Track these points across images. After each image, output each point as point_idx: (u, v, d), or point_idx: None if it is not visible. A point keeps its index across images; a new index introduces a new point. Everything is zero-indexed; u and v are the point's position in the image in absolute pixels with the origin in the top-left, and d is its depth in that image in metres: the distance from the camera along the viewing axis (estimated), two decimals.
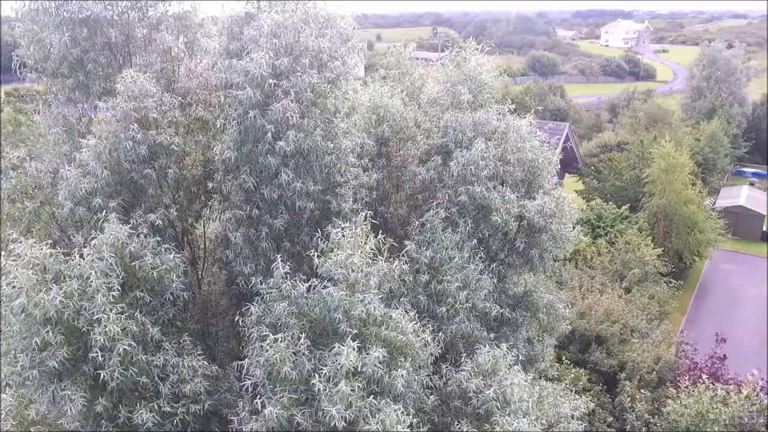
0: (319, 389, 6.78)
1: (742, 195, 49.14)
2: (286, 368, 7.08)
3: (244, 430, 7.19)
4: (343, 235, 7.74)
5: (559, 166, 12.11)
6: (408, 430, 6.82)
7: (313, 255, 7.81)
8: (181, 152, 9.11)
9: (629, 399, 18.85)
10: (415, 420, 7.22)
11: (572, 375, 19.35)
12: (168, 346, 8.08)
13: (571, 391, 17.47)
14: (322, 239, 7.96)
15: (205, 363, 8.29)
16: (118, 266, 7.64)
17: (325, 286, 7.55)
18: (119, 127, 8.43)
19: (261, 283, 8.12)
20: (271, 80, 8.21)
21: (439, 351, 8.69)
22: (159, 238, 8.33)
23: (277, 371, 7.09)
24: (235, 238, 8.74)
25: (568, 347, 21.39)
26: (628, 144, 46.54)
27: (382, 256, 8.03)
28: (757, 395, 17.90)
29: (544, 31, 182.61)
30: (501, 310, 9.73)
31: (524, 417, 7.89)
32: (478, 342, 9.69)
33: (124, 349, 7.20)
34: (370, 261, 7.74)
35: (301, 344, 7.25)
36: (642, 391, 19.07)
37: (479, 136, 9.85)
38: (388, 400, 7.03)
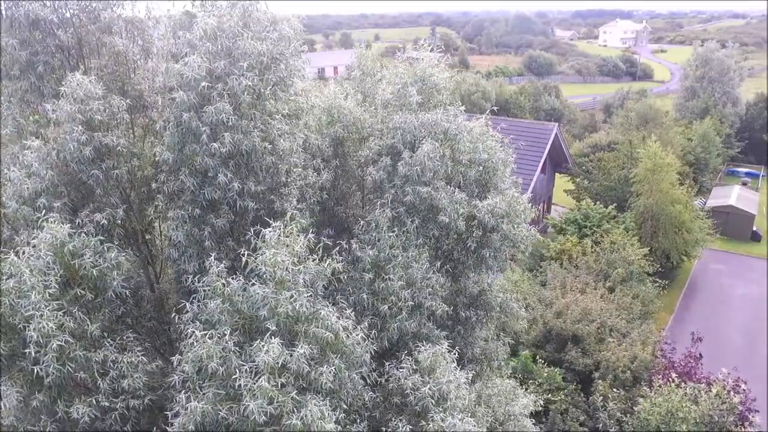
0: (239, 385, 6.95)
1: (733, 195, 49.19)
2: (213, 364, 7.25)
3: (174, 425, 7.35)
4: (280, 234, 7.89)
5: (515, 166, 12.22)
6: (332, 425, 6.95)
7: (244, 254, 7.96)
8: (129, 153, 9.26)
9: (601, 398, 18.96)
10: (342, 416, 7.37)
11: (545, 374, 19.49)
12: (109, 343, 8.24)
13: (524, 389, 17.59)
14: (255, 238, 8.10)
15: (144, 359, 8.45)
16: (56, 264, 7.81)
17: (254, 284, 7.71)
18: (66, 129, 8.59)
19: (198, 281, 8.29)
20: (204, 83, 8.37)
21: (383, 348, 8.81)
22: (102, 237, 8.49)
23: (204, 367, 7.26)
24: (177, 237, 8.91)
25: (545, 346, 21.53)
26: (618, 144, 46.69)
27: (317, 255, 8.16)
28: (727, 394, 18.02)
29: (542, 31, 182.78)
30: (447, 309, 9.86)
31: (461, 414, 8.02)
32: (428, 340, 9.83)
33: (60, 345, 7.37)
34: (296, 260, 7.88)
35: (227, 340, 7.41)
36: (615, 390, 19.19)
37: (427, 137, 9.97)
38: (315, 395, 7.19)
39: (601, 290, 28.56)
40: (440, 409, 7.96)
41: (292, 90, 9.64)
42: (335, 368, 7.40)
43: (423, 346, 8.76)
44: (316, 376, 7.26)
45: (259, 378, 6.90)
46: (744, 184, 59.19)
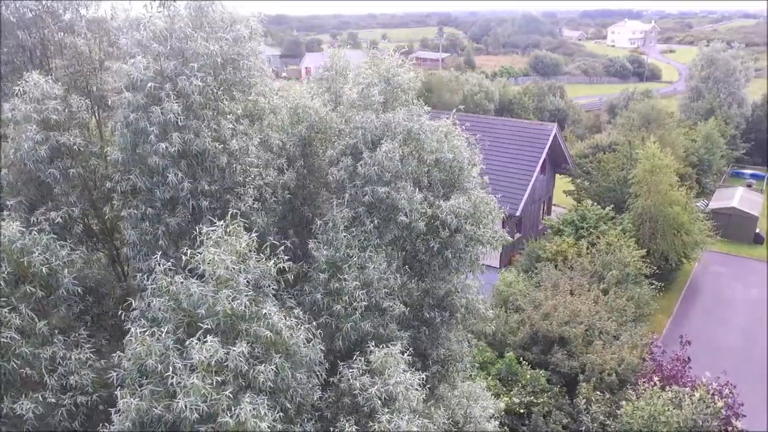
0: (172, 382, 6.98)
1: (736, 197, 48.71)
2: (151, 361, 7.29)
3: (115, 422, 7.39)
4: (223, 233, 7.91)
5: (483, 166, 12.16)
6: (266, 424, 6.94)
7: (186, 252, 7.99)
8: (88, 153, 9.34)
9: (584, 401, 18.82)
10: (281, 414, 7.35)
11: (528, 376, 19.39)
12: (59, 339, 8.31)
13: (507, 390, 17.45)
14: (200, 237, 8.13)
15: (92, 356, 8.51)
16: (3, 262, 7.89)
17: (194, 282, 7.74)
18: (22, 129, 8.68)
19: (147, 279, 8.33)
20: (151, 84, 8.41)
21: (339, 348, 8.80)
22: (55, 235, 8.57)
23: (144, 364, 7.30)
24: (131, 236, 8.97)
25: (532, 348, 21.41)
26: (619, 144, 46.41)
27: (264, 254, 8.17)
28: (711, 398, 17.83)
29: (550, 31, 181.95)
30: (404, 310, 9.83)
31: (409, 415, 7.99)
32: (388, 340, 9.80)
33: (5, 341, 7.44)
34: (238, 259, 7.89)
35: (167, 338, 7.44)
36: (598, 393, 19.05)
37: (388, 137, 9.94)
38: (255, 394, 7.20)
39: (595, 292, 28.39)
40: (387, 410, 7.95)
41: (254, 90, 9.66)
42: (277, 367, 7.42)
43: (379, 347, 8.72)
44: (254, 374, 7.28)
45: (193, 376, 6.93)
46: (749, 186, 58.61)
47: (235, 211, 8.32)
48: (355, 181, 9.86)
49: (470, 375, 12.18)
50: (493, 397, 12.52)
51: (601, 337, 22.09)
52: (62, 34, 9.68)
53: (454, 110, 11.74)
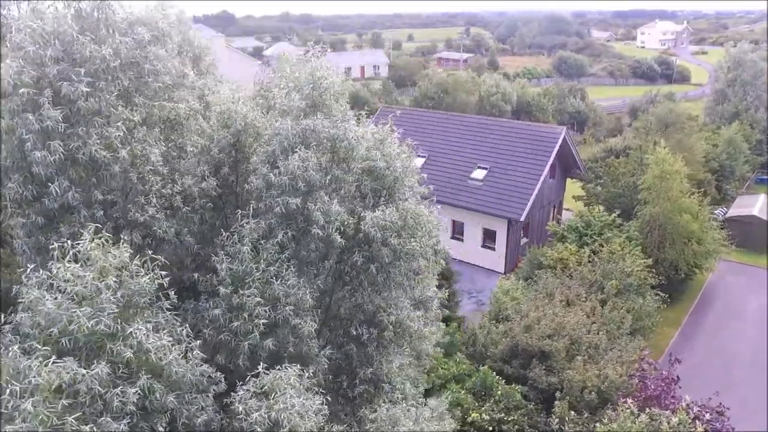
0: (8, 406, 6.56)
1: (757, 204, 46.70)
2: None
3: None
4: (88, 246, 7.46)
5: (423, 175, 11.49)
6: None
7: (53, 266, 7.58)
8: None
9: (557, 420, 17.92)
10: None
11: (500, 391, 18.55)
12: None
13: (479, 406, 16.59)
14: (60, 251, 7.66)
15: None
16: None
17: (56, 298, 7.31)
18: None
19: (24, 291, 7.95)
20: (25, 90, 8.02)
21: (236, 367, 8.30)
22: None
23: None
24: (21, 245, 8.64)
25: (512, 361, 20.56)
26: (632, 149, 44.99)
27: (146, 268, 7.70)
28: (692, 422, 16.75)
29: (577, 32, 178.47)
30: (314, 327, 9.24)
31: None
32: (299, 360, 9.26)
33: None
34: (97, 275, 7.42)
35: (15, 357, 7.02)
36: (573, 412, 18.11)
37: (307, 144, 9.39)
38: (110, 417, 6.74)
39: (593, 303, 27.38)
40: None
41: (169, 95, 9.21)
42: (146, 389, 6.94)
43: (280, 367, 8.17)
44: (110, 397, 6.82)
45: (29, 400, 6.50)
46: None
47: (98, 225, 7.84)
48: (271, 191, 9.35)
49: (404, 396, 11.48)
50: (433, 419, 11.82)
51: (587, 352, 21.08)
52: None
53: (390, 117, 11.06)
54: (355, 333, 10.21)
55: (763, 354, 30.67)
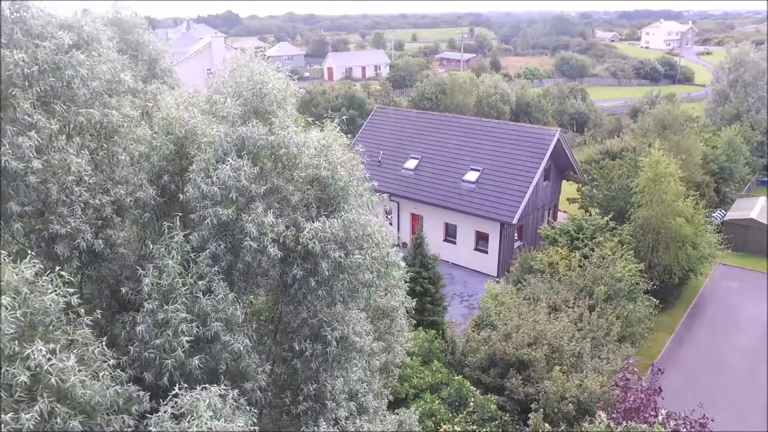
0: None
1: (756, 207, 45.98)
2: None
3: None
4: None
5: (375, 183, 11.05)
6: None
7: None
8: None
9: None
10: None
11: (472, 402, 18.07)
12: None
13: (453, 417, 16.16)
14: None
15: None
16: None
17: None
18: None
19: None
20: None
21: (161, 385, 7.90)
22: None
23: None
24: None
25: (489, 371, 20.06)
26: (628, 150, 44.38)
27: (55, 284, 7.28)
28: None
29: (581, 32, 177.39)
30: (245, 345, 8.82)
31: None
32: (248, 377, 8.86)
33: None
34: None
35: None
36: (547, 425, 17.59)
37: (243, 152, 8.98)
38: None
39: (581, 308, 26.89)
40: None
41: (98, 101, 8.80)
42: (43, 414, 6.54)
43: (202, 387, 7.77)
44: (3, 422, 6.45)
45: None
46: None
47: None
48: (205, 201, 8.95)
49: (364, 410, 11.07)
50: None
51: (569, 361, 20.53)
52: None
53: (336, 120, 10.61)
54: (298, 348, 9.80)
55: (756, 363, 30.09)
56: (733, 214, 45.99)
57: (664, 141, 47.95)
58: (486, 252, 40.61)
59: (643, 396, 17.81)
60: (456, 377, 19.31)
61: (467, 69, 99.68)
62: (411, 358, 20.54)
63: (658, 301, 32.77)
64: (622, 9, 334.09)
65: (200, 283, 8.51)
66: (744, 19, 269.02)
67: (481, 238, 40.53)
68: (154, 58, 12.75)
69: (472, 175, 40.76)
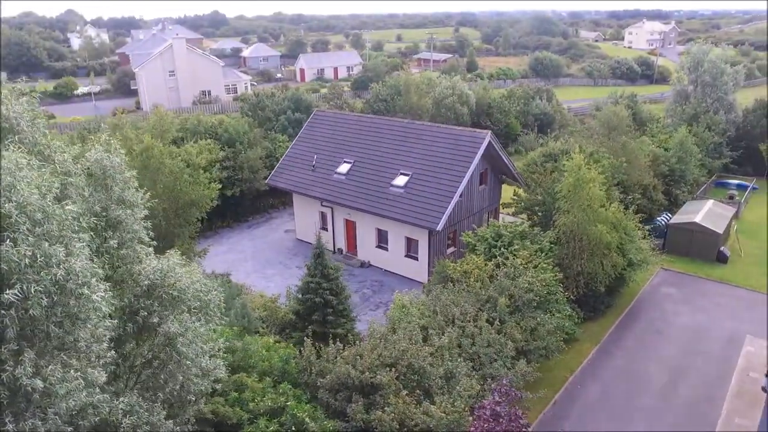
0: None
1: (701, 211, 44.64)
2: None
3: None
4: None
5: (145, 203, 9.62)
6: None
7: None
8: None
9: None
10: None
11: (312, 429, 16.68)
12: None
13: None
14: None
15: None
16: None
17: None
18: None
19: None
20: None
21: None
22: None
23: None
24: None
25: (336, 395, 18.63)
26: (565, 154, 42.95)
27: None
28: None
29: (563, 32, 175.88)
30: None
31: None
32: None
33: None
34: None
35: None
36: None
37: None
38: None
39: (481, 321, 25.59)
40: None
41: None
42: None
43: None
44: None
45: None
46: (731, 197, 54.17)
47: None
48: None
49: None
50: None
51: (435, 383, 18.98)
52: None
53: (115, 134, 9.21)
54: None
55: (675, 377, 28.71)
56: (678, 217, 44.70)
57: (611, 143, 46.66)
58: (416, 258, 39.30)
59: (494, 424, 16.28)
60: (300, 402, 17.92)
61: (436, 70, 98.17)
62: (261, 379, 19.19)
63: (582, 312, 31.42)
64: (612, 9, 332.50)
65: None
66: (730, 19, 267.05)
67: (412, 245, 39.24)
68: None
69: (401, 180, 39.41)
